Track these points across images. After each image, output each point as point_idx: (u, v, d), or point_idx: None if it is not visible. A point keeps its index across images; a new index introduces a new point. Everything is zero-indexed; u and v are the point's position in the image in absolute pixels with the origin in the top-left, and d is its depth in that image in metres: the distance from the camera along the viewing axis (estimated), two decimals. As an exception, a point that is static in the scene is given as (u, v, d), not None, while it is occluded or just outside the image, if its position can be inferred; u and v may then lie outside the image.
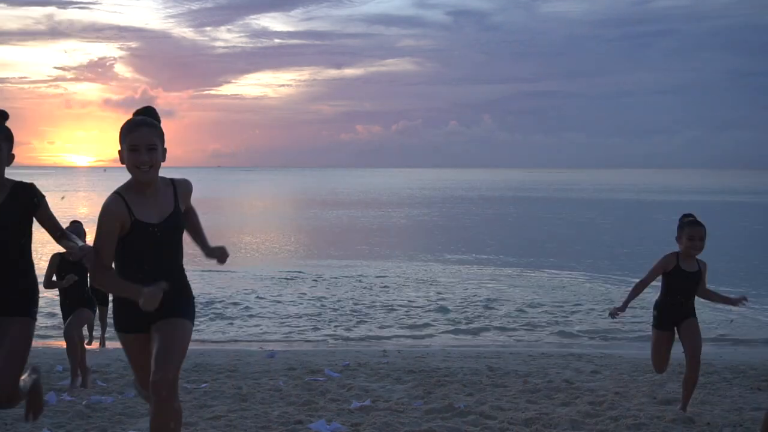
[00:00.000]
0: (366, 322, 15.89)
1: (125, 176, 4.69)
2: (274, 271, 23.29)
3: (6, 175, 4.95)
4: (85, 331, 10.34)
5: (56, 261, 9.23)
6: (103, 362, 10.91)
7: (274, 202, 72.85)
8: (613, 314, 7.79)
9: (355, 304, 17.90)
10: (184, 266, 4.91)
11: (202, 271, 22.98)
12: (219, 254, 5.16)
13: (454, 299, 18.47)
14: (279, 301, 18.19)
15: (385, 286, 20.28)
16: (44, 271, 8.69)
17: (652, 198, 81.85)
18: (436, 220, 47.36)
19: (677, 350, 7.88)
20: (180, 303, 4.84)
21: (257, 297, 18.75)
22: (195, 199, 5.08)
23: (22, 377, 5.06)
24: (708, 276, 7.75)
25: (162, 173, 4.74)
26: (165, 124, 4.88)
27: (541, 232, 39.33)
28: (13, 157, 4.99)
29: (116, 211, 4.66)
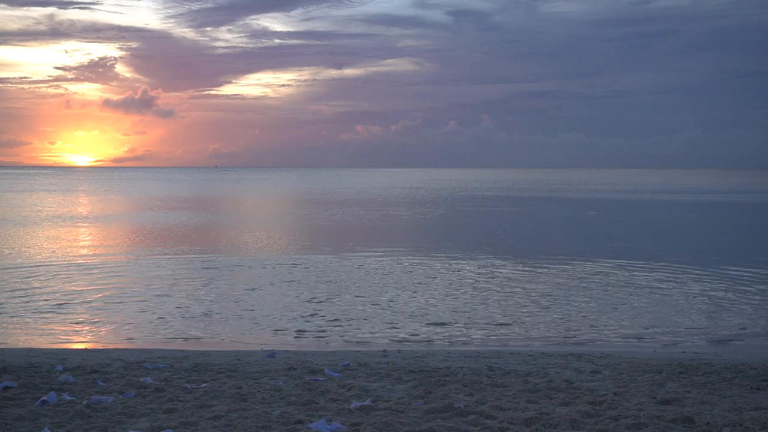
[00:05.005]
0: (367, 320, 15.83)
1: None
2: (273, 269, 23.24)
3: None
4: None
5: None
6: (104, 362, 10.91)
7: (274, 201, 72.93)
8: None
9: (356, 302, 17.82)
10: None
11: (198, 268, 23.01)
12: None
13: (452, 298, 18.44)
14: (278, 300, 18.11)
15: (385, 283, 20.24)
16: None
17: (652, 198, 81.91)
18: (436, 219, 47.42)
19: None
20: None
21: (254, 295, 18.68)
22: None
23: None
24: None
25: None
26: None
27: (540, 230, 39.41)
28: None
29: None
